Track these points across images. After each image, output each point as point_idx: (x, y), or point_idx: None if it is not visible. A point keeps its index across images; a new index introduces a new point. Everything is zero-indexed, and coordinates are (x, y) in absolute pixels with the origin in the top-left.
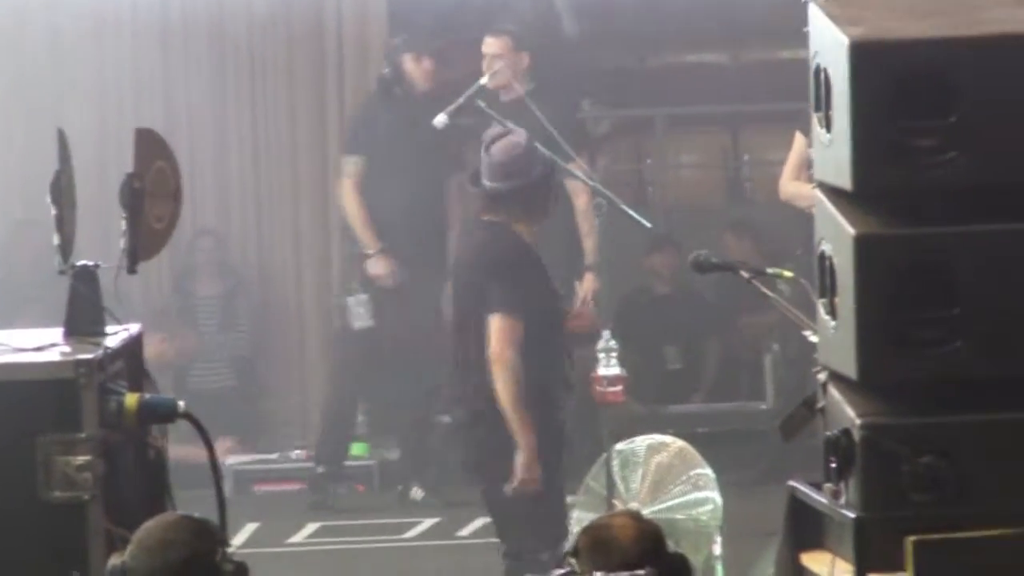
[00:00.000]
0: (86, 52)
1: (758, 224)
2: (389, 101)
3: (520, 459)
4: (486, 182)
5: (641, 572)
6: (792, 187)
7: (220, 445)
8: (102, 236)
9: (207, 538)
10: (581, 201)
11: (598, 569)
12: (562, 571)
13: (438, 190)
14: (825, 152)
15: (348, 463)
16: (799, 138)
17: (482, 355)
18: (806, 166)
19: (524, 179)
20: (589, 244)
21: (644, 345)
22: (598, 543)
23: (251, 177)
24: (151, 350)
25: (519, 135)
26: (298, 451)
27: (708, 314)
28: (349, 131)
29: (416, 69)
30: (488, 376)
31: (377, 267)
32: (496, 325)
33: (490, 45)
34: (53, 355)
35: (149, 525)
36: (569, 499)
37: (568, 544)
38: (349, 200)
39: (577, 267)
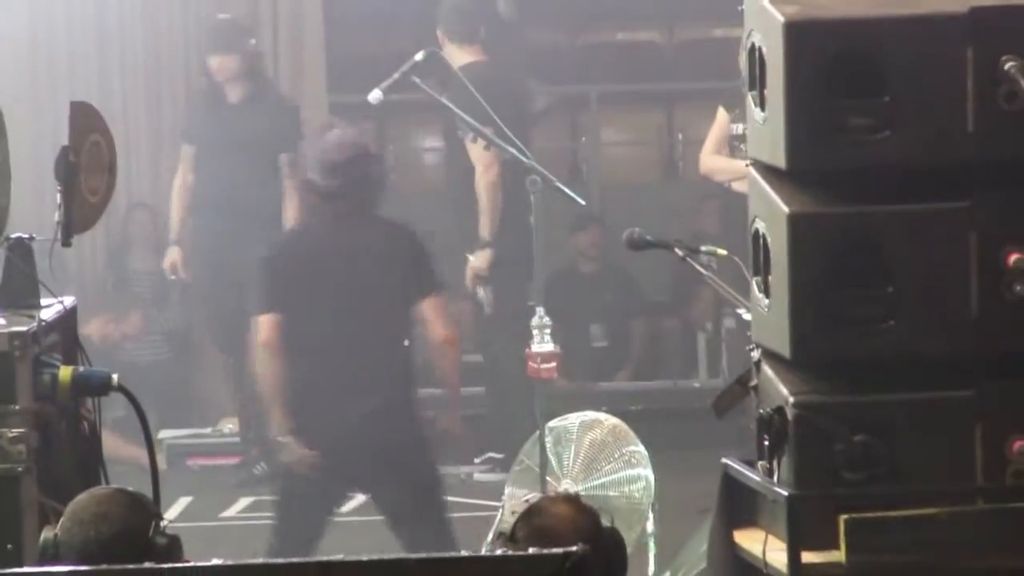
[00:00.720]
0: (20, 24)
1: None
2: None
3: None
4: (320, 179)
5: (574, 548)
6: (711, 161)
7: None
8: (36, 209)
9: (141, 511)
10: (485, 176)
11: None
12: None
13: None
14: (760, 130)
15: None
16: (721, 113)
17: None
18: (726, 141)
19: (358, 175)
20: (486, 220)
21: (571, 322)
22: (537, 532)
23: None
24: (96, 330)
25: (347, 129)
26: (231, 426)
27: (634, 292)
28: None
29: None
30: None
31: (169, 257)
32: (436, 305)
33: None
34: None
35: (82, 498)
36: (502, 475)
37: (502, 526)
38: (175, 190)
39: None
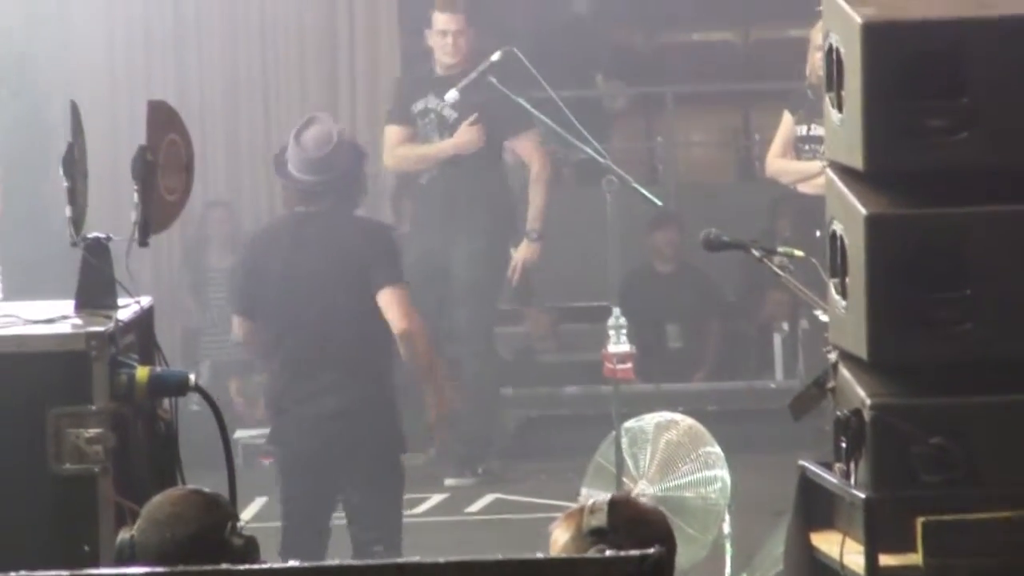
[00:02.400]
0: (97, 23)
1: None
2: None
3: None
4: (297, 173)
5: (651, 551)
6: (777, 164)
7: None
8: (113, 209)
9: (216, 512)
10: (534, 167)
11: (635, 545)
12: (599, 548)
13: None
14: (837, 132)
15: None
16: (786, 116)
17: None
18: (791, 144)
19: (336, 172)
20: (533, 211)
21: (647, 323)
22: (632, 523)
23: (262, 149)
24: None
25: (327, 123)
26: None
27: (711, 292)
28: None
29: None
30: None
31: None
32: (392, 296)
33: (448, 21)
34: (64, 327)
35: (158, 499)
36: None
37: (593, 522)
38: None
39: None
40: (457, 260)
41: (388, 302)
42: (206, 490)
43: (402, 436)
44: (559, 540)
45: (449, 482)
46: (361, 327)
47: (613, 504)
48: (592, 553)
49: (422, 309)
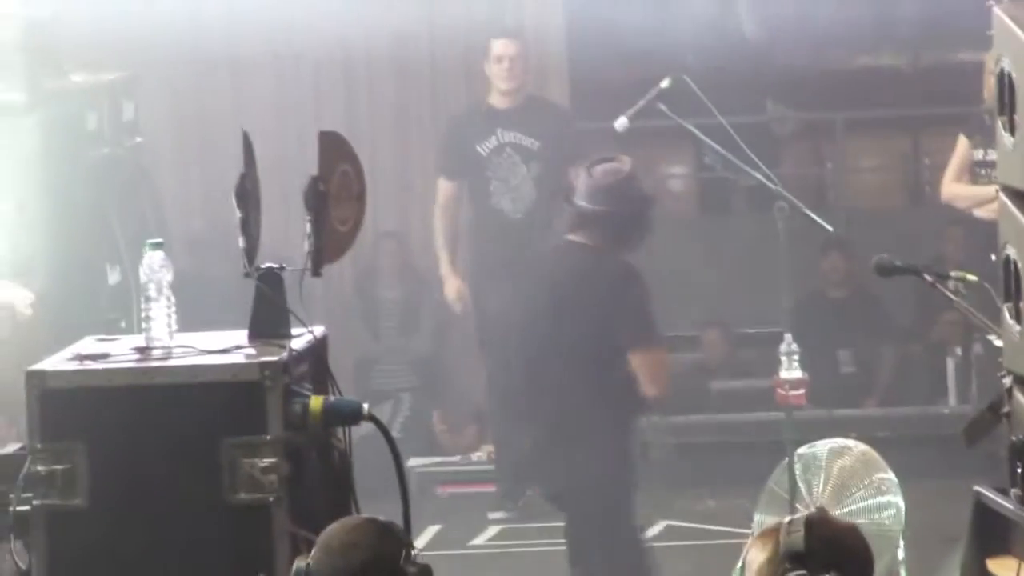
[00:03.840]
0: (265, 55)
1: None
2: None
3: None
4: (581, 202)
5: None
6: (953, 189)
7: None
8: (284, 239)
9: (391, 540)
10: None
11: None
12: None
13: None
14: (1009, 156)
15: None
16: (962, 141)
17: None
18: (967, 168)
19: (621, 206)
20: None
21: (819, 348)
22: (829, 544)
23: (432, 180)
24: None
25: (624, 162)
26: (479, 453)
27: (883, 318)
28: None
29: None
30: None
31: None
32: (656, 359)
33: (507, 47)
34: (238, 357)
35: (333, 527)
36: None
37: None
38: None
39: None
40: None
41: (641, 366)
42: (381, 518)
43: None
44: (755, 560)
45: None
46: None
47: (810, 524)
48: None
49: None
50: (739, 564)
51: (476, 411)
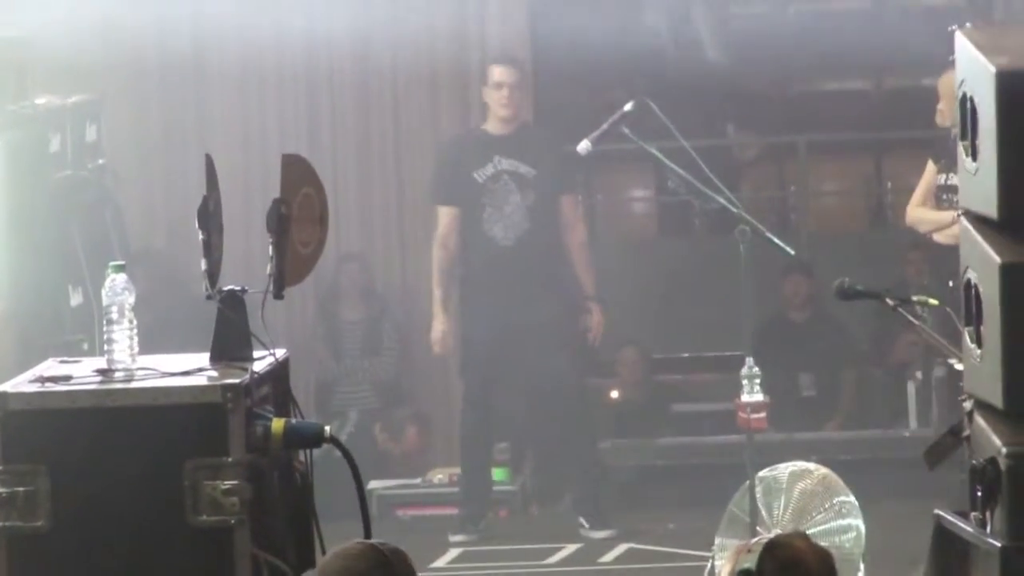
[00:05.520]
0: (230, 74)
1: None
2: None
3: None
4: None
5: None
6: (917, 213)
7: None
8: (245, 261)
9: (386, 568)
10: (578, 232)
11: None
12: None
13: None
14: (971, 180)
15: (494, 488)
16: (930, 166)
17: None
18: (932, 193)
19: None
20: (588, 279)
21: (780, 372)
22: (786, 564)
23: (395, 202)
24: None
25: None
26: (440, 475)
27: (844, 341)
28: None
29: None
30: None
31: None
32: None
33: (507, 74)
34: (200, 380)
35: (330, 555)
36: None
37: (745, 564)
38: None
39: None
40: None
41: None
42: (379, 545)
43: None
44: (723, 574)
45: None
46: None
47: (770, 547)
48: None
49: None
50: None
51: (415, 413)
